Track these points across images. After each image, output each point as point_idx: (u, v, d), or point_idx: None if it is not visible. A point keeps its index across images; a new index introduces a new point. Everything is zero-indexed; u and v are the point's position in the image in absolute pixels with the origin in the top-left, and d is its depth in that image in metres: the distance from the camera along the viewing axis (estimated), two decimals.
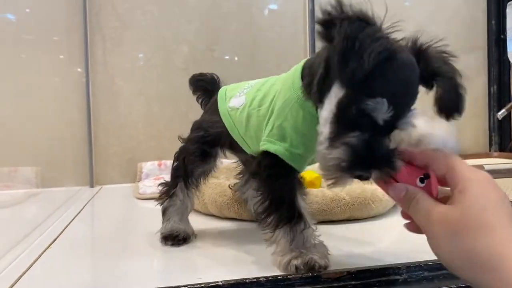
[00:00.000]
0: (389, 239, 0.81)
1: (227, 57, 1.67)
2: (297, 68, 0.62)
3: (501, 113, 1.56)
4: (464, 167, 0.45)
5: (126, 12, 1.58)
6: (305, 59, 0.63)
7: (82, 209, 1.16)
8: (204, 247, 0.78)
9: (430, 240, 0.45)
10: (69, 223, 0.99)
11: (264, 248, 0.62)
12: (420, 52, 0.53)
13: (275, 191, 0.61)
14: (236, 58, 1.68)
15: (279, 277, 0.56)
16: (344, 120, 0.50)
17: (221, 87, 0.86)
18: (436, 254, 0.45)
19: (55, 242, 0.83)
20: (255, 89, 0.72)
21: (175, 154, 0.84)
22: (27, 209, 1.21)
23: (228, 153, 0.84)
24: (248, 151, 0.73)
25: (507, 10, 1.56)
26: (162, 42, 1.62)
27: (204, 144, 0.79)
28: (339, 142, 0.49)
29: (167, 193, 0.81)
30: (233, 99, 0.75)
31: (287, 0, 1.70)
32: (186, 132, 1.59)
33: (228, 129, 0.74)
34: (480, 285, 0.40)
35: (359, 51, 0.45)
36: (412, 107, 0.52)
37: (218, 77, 0.91)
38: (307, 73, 0.59)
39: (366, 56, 0.45)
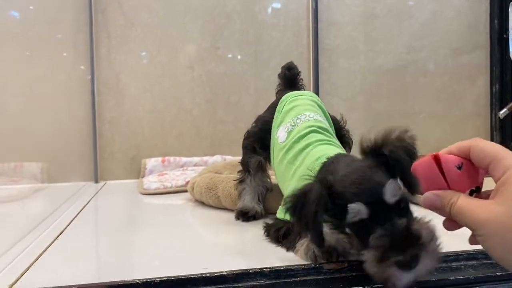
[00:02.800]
0: None
1: (230, 55, 1.69)
2: (320, 162, 0.68)
3: (503, 112, 1.57)
4: (507, 158, 0.44)
5: (132, 10, 1.60)
6: (326, 160, 0.67)
7: (87, 203, 1.17)
8: (209, 239, 0.80)
9: (482, 240, 0.44)
10: (75, 216, 1.01)
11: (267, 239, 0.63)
12: (371, 151, 0.58)
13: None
14: (239, 57, 1.69)
15: (282, 268, 0.58)
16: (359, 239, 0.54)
17: (300, 88, 1.02)
18: (489, 252, 0.44)
19: (62, 234, 0.84)
20: (296, 137, 0.79)
21: (244, 135, 0.95)
22: (34, 203, 1.23)
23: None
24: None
25: (509, 9, 1.57)
26: (167, 40, 1.63)
27: (256, 141, 0.91)
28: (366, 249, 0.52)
29: (239, 179, 0.93)
30: (282, 127, 0.85)
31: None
32: (189, 129, 1.61)
33: (271, 144, 0.87)
34: None
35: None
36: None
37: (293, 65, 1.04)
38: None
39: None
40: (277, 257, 0.65)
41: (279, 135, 0.85)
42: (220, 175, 1.08)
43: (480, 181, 0.49)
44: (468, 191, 0.48)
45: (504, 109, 1.56)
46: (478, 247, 0.62)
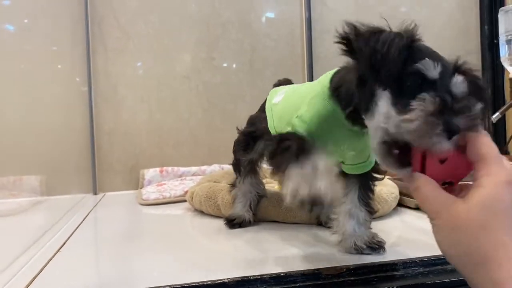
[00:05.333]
0: (391, 239, 0.82)
1: (225, 65, 1.71)
2: (328, 74, 0.67)
3: (496, 116, 1.59)
4: (493, 164, 0.44)
5: (128, 22, 1.62)
6: (336, 70, 0.66)
7: (87, 215, 1.18)
8: (209, 247, 0.81)
9: (434, 231, 0.45)
10: (76, 228, 1.01)
11: (267, 247, 0.64)
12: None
13: (285, 143, 0.61)
14: (234, 66, 1.71)
15: (282, 274, 0.59)
16: (402, 97, 0.48)
17: None
18: (437, 243, 0.46)
19: (64, 246, 0.85)
20: (292, 88, 0.81)
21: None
22: (34, 217, 1.24)
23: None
24: None
25: (499, 16, 1.60)
26: (164, 51, 1.65)
27: (251, 137, 0.88)
28: (412, 104, 0.47)
29: (232, 184, 0.94)
30: (276, 96, 0.82)
31: (285, 8, 1.74)
32: (187, 138, 1.63)
33: (268, 121, 0.79)
34: (471, 281, 0.42)
35: (385, 50, 0.50)
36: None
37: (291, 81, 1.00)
38: (336, 80, 0.63)
39: (393, 49, 0.50)
40: (277, 263, 0.67)
41: (275, 100, 0.81)
42: (218, 184, 1.10)
43: (458, 176, 0.49)
44: (440, 182, 0.48)
45: (497, 113, 1.59)
46: None
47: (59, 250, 0.83)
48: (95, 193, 1.57)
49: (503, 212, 0.41)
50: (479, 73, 0.54)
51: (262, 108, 0.88)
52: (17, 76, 1.55)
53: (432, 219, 0.46)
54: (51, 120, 1.57)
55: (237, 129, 0.94)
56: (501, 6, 1.65)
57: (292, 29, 1.73)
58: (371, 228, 0.73)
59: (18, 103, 1.55)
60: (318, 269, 0.60)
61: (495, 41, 1.76)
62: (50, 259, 0.77)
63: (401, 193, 1.05)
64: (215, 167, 1.60)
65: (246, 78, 1.71)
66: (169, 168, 1.59)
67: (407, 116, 0.46)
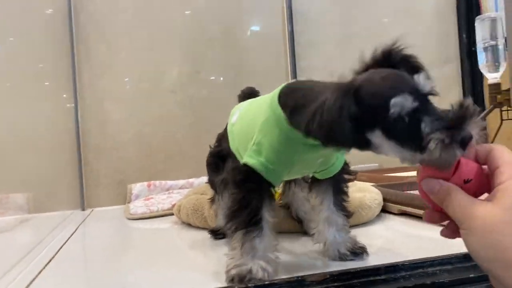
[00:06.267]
0: (375, 245, 0.82)
1: (212, 78, 1.73)
2: (275, 92, 0.66)
3: None
4: None
5: (114, 38, 1.63)
6: (284, 85, 0.67)
7: (75, 231, 1.18)
8: (197, 259, 0.82)
9: (466, 234, 0.46)
10: (63, 244, 1.01)
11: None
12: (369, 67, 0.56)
13: (244, 197, 0.63)
14: (221, 79, 1.73)
15: (266, 283, 0.60)
16: (406, 137, 0.50)
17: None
18: (467, 245, 0.46)
19: (50, 262, 0.85)
20: (246, 107, 0.79)
21: None
22: (21, 234, 1.23)
23: None
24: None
25: (475, 24, 1.64)
26: (150, 66, 1.67)
27: (219, 158, 0.87)
28: (427, 143, 0.48)
29: (211, 199, 0.94)
30: (234, 116, 0.81)
31: (268, 22, 1.77)
32: (174, 152, 1.64)
33: (230, 143, 0.79)
34: (503, 280, 0.42)
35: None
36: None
37: (255, 90, 1.00)
38: (287, 100, 0.63)
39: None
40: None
41: (233, 119, 0.81)
42: (205, 196, 1.10)
43: (479, 195, 0.50)
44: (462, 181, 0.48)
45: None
46: (454, 251, 0.65)
47: (45, 266, 0.83)
48: (83, 209, 1.56)
49: None
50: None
51: (226, 127, 0.88)
52: (4, 94, 1.55)
53: (463, 223, 0.46)
54: (37, 137, 1.57)
55: (210, 147, 0.94)
56: (477, 15, 1.70)
57: (276, 42, 1.76)
58: (349, 232, 0.74)
59: (4, 121, 1.55)
60: (302, 277, 0.61)
61: (473, 48, 1.81)
62: (36, 276, 0.77)
63: (385, 199, 1.07)
64: (203, 179, 1.60)
65: (232, 91, 1.71)
66: (157, 182, 1.59)
67: (426, 154, 0.48)
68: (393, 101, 0.48)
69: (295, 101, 0.61)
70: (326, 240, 0.72)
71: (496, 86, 1.58)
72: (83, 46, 1.60)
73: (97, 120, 1.62)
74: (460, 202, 0.47)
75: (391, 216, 1.04)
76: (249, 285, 0.59)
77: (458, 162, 0.48)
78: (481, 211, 0.44)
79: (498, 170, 0.46)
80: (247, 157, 0.65)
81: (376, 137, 0.52)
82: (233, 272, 0.61)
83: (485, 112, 1.63)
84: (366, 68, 0.55)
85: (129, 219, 1.30)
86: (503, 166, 0.46)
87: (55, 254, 0.92)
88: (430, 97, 0.51)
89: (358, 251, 0.71)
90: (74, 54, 1.58)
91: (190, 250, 0.92)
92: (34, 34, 1.60)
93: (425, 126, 0.48)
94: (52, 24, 1.60)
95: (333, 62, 1.77)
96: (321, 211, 0.72)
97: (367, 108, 0.50)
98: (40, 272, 0.79)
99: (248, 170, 0.64)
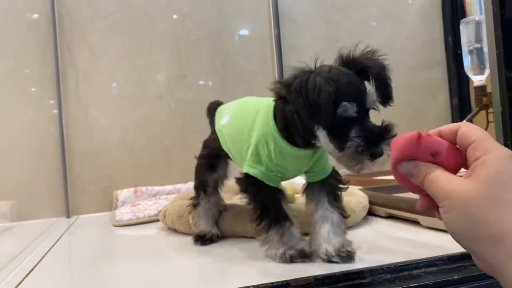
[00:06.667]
0: (361, 248, 0.82)
1: (201, 82, 1.72)
2: (270, 110, 0.76)
3: None
4: (490, 141, 0.44)
5: (97, 44, 1.62)
6: (274, 104, 0.76)
7: (59, 239, 1.16)
8: (183, 265, 0.81)
9: (444, 212, 0.45)
10: (46, 252, 0.99)
11: (236, 261, 0.64)
12: (349, 61, 0.68)
13: (263, 202, 0.75)
14: (209, 83, 1.72)
15: (250, 287, 0.59)
16: (337, 135, 0.64)
17: None
18: (446, 223, 0.45)
19: (32, 271, 0.83)
20: (237, 111, 0.87)
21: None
22: (2, 243, 1.21)
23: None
24: (234, 161, 0.90)
25: (461, 27, 1.66)
26: (135, 71, 1.65)
27: (210, 158, 0.95)
28: (347, 144, 0.63)
29: (193, 205, 0.97)
30: (222, 119, 0.90)
31: (254, 26, 1.77)
32: (161, 157, 1.63)
33: (221, 143, 0.89)
34: (485, 257, 0.41)
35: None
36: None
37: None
38: (279, 117, 0.74)
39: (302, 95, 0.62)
40: (245, 277, 0.67)
41: (223, 122, 0.88)
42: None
43: (450, 170, 0.48)
44: (430, 155, 0.48)
45: (464, 121, 1.63)
46: (439, 253, 0.65)
47: (28, 274, 0.81)
48: (68, 216, 1.54)
49: None
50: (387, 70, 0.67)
51: (212, 131, 0.97)
52: None
53: (441, 201, 0.45)
54: (21, 143, 1.55)
55: (195, 157, 0.99)
56: (462, 18, 1.71)
57: (262, 45, 1.76)
58: (346, 234, 0.76)
59: None
60: (286, 281, 0.61)
61: (459, 51, 1.83)
62: (17, 286, 0.75)
63: (372, 203, 1.07)
64: (190, 184, 1.59)
65: (219, 95, 1.71)
66: (143, 188, 1.57)
67: (343, 153, 0.63)
68: (343, 103, 0.62)
69: (286, 119, 0.73)
70: (319, 237, 0.74)
71: (481, 89, 1.59)
72: (67, 52, 1.59)
73: (82, 126, 1.60)
74: (437, 179, 0.46)
75: (379, 219, 1.04)
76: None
77: (419, 137, 0.47)
78: (459, 187, 0.43)
79: (473, 146, 0.45)
80: (248, 167, 0.76)
81: (319, 130, 0.66)
82: (290, 252, 0.71)
83: (470, 114, 1.65)
84: (342, 62, 0.69)
85: (115, 226, 1.29)
86: (477, 141, 0.45)
87: (38, 262, 0.90)
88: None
89: (344, 255, 0.70)
90: (58, 59, 1.57)
91: (176, 255, 0.91)
92: (18, 39, 1.58)
93: (353, 132, 0.62)
94: (36, 30, 1.58)
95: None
96: (316, 211, 0.77)
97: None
98: (21, 281, 0.77)
99: (255, 180, 0.75)
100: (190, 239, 0.97)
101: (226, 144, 0.87)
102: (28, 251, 1.02)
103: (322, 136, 0.66)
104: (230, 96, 1.70)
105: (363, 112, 0.63)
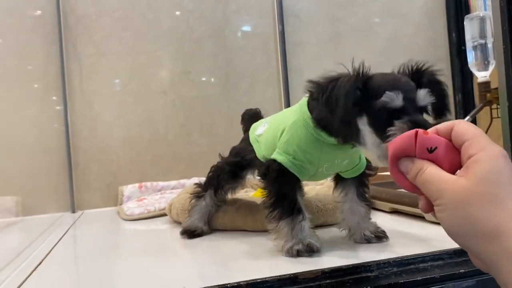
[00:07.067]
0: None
1: (204, 79, 1.72)
2: (304, 101, 0.76)
3: (467, 119, 1.64)
4: (484, 140, 0.45)
5: (102, 40, 1.62)
6: (307, 98, 0.75)
7: (65, 234, 1.16)
8: (188, 258, 0.81)
9: (439, 211, 0.45)
10: (53, 247, 1.00)
11: (242, 255, 0.65)
12: (415, 72, 0.66)
13: (279, 190, 0.74)
14: (212, 79, 1.73)
15: (258, 280, 0.60)
16: (381, 127, 0.60)
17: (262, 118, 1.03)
18: (441, 221, 0.45)
19: (40, 265, 0.84)
20: (274, 117, 0.89)
21: (211, 167, 0.98)
22: (9, 238, 1.21)
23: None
24: None
25: (464, 23, 1.66)
26: (139, 67, 1.66)
27: (238, 167, 0.94)
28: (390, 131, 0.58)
29: (197, 194, 0.98)
30: (260, 128, 0.90)
31: (258, 22, 1.77)
32: (165, 153, 1.64)
33: (256, 153, 0.88)
34: (480, 254, 0.42)
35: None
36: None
37: (260, 111, 1.06)
38: (316, 112, 0.72)
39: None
40: (253, 270, 0.67)
41: (259, 131, 0.89)
42: None
43: (448, 167, 0.48)
44: (426, 150, 0.48)
45: (468, 117, 1.63)
46: (445, 247, 0.65)
47: (35, 269, 0.81)
48: (73, 211, 1.55)
49: (509, 183, 0.41)
50: (440, 73, 0.67)
51: (246, 142, 0.95)
52: None
53: (436, 199, 0.45)
54: (27, 139, 1.55)
55: (220, 156, 0.99)
56: (466, 14, 1.71)
57: (266, 42, 1.76)
58: (371, 219, 0.81)
59: None
60: (294, 274, 0.61)
61: (462, 47, 1.82)
62: (24, 280, 0.75)
63: (377, 198, 1.07)
64: (194, 180, 1.59)
65: (222, 91, 1.72)
66: (148, 183, 1.58)
67: (385, 144, 0.58)
68: (387, 92, 0.59)
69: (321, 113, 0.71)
70: (351, 226, 0.80)
71: (485, 85, 1.59)
72: (72, 48, 1.59)
73: (87, 122, 1.60)
74: (431, 177, 0.46)
75: (382, 214, 1.05)
76: (241, 283, 0.59)
77: (416, 134, 0.48)
78: (453, 185, 0.43)
79: (467, 144, 0.45)
80: (276, 154, 0.75)
81: (362, 124, 0.63)
82: (298, 247, 0.71)
83: (474, 110, 1.64)
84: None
85: (126, 220, 1.29)
86: (471, 139, 0.45)
87: (45, 257, 0.90)
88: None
89: (380, 235, 0.78)
90: (63, 56, 1.57)
91: (182, 250, 0.91)
92: (23, 36, 1.58)
93: (398, 122, 0.58)
94: (41, 26, 1.59)
95: (323, 61, 1.77)
96: (345, 202, 0.81)
97: (367, 94, 0.61)
98: (29, 276, 0.77)
99: (279, 167, 0.74)
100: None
101: (262, 152, 0.86)
102: (34, 245, 1.03)
103: (368, 133, 0.63)
104: (233, 93, 1.72)
105: (413, 107, 0.60)
